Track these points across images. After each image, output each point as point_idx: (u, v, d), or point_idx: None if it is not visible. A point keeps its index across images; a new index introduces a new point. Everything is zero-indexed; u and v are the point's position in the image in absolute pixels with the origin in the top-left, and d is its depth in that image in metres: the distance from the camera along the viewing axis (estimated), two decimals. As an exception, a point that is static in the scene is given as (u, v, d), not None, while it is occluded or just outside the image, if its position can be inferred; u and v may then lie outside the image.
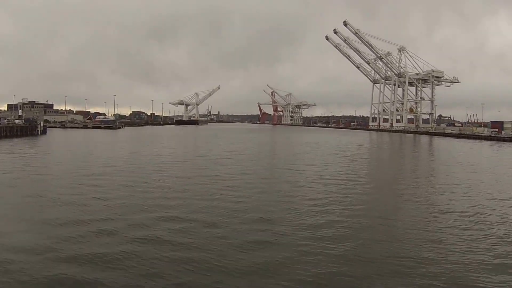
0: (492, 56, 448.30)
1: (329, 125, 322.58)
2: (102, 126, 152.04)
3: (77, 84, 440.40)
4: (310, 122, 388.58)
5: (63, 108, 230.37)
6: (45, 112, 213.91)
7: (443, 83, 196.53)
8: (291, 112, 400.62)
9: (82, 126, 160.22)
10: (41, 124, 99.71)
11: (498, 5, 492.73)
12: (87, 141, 74.45)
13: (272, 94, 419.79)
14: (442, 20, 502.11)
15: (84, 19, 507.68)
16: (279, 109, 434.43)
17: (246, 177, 31.65)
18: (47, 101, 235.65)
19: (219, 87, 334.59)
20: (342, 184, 29.12)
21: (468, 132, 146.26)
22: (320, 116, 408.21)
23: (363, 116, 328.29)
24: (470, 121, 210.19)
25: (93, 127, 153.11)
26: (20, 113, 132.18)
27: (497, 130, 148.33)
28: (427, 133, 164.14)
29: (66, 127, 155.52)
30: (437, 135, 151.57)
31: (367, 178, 33.51)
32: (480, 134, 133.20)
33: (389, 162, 51.03)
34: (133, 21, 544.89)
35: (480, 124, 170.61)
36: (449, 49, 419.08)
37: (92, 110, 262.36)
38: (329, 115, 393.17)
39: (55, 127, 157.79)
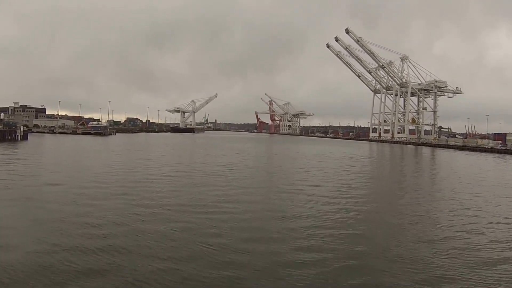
0: (491, 68, 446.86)
1: (327, 135, 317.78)
2: (92, 132, 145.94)
3: (75, 89, 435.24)
4: (307, 131, 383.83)
5: (58, 113, 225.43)
6: (36, 117, 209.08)
7: (445, 93, 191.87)
8: (289, 121, 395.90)
9: (71, 132, 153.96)
10: (21, 129, 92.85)
11: (498, 18, 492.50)
12: (65, 149, 66.78)
13: (270, 103, 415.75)
14: (442, 32, 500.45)
15: (84, 24, 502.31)
16: (276, 118, 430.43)
17: (241, 209, 21.65)
18: (42, 105, 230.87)
19: (216, 95, 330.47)
20: (375, 216, 21.10)
21: (472, 144, 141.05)
22: (318, 126, 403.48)
23: (360, 126, 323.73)
24: (468, 132, 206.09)
25: (83, 133, 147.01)
26: (1, 117, 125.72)
27: (501, 142, 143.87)
28: (430, 144, 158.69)
29: (55, 133, 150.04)
30: (440, 147, 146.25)
31: (401, 204, 25.16)
32: (486, 147, 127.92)
33: (414, 181, 38.70)
34: (133, 28, 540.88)
35: (485, 136, 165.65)
36: (448, 61, 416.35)
37: (89, 116, 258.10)
38: (327, 125, 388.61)
39: (44, 132, 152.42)
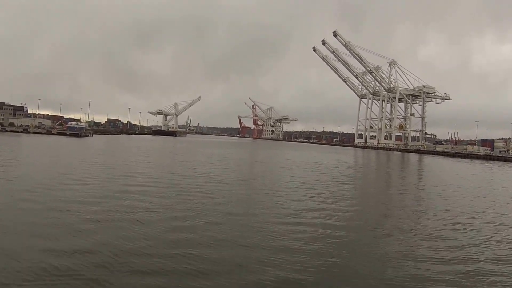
0: (476, 75, 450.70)
1: (311, 141, 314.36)
2: (68, 133, 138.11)
3: (58, 89, 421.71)
4: (291, 137, 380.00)
5: (40, 112, 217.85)
6: (14, 115, 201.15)
7: (433, 99, 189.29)
8: (272, 126, 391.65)
9: (45, 132, 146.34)
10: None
11: (483, 24, 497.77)
12: (22, 152, 56.61)
13: (254, 107, 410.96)
14: (427, 38, 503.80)
15: (66, 21, 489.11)
16: (259, 123, 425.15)
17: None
18: (24, 104, 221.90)
19: (199, 98, 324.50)
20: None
21: (462, 150, 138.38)
22: (301, 131, 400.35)
23: (343, 132, 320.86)
24: (451, 139, 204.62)
25: (58, 134, 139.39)
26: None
27: (489, 148, 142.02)
28: (418, 151, 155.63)
29: (29, 132, 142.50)
30: (428, 153, 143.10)
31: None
32: (477, 153, 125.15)
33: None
34: (116, 27, 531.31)
35: (474, 143, 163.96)
36: (433, 67, 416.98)
37: (71, 115, 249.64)
38: (310, 130, 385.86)
39: (17, 131, 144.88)
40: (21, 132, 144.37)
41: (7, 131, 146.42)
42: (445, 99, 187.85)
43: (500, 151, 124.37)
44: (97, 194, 22.97)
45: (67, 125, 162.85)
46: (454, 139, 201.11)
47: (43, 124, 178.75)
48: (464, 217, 21.14)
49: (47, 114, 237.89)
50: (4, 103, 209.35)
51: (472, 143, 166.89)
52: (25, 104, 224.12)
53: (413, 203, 25.81)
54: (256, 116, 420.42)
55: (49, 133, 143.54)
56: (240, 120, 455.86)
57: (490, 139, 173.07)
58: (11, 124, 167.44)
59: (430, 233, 16.99)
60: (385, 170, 61.09)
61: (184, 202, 21.63)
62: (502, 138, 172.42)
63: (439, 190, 33.63)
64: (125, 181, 29.05)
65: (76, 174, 32.05)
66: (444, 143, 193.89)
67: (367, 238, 15.83)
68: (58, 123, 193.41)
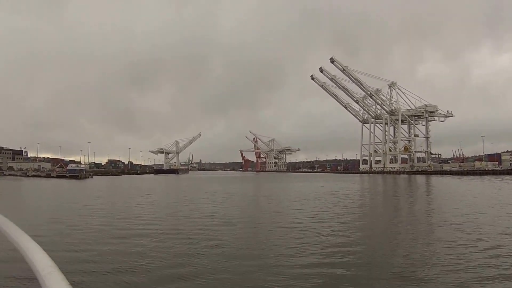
0: (475, 89, 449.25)
1: (315, 170, 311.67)
2: (67, 175, 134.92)
3: (57, 132, 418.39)
4: (294, 167, 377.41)
5: (40, 156, 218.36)
6: (13, 159, 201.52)
7: (436, 118, 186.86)
8: (275, 158, 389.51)
9: (45, 175, 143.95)
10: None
11: (479, 36, 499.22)
12: (11, 197, 55.23)
13: (255, 140, 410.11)
14: (424, 57, 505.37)
15: (62, 64, 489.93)
16: (262, 156, 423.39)
17: None
18: (24, 148, 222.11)
19: (200, 135, 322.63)
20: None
21: (470, 168, 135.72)
22: (305, 161, 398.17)
23: (347, 159, 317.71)
24: (455, 156, 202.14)
25: (57, 176, 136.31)
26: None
27: (497, 163, 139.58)
28: (425, 172, 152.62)
29: (28, 176, 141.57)
30: (436, 174, 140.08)
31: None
32: (486, 169, 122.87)
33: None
34: (111, 67, 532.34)
35: (481, 159, 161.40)
36: (432, 85, 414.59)
37: (72, 158, 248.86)
38: (313, 159, 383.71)
39: (16, 175, 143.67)
40: (20, 175, 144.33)
41: (5, 175, 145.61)
42: (448, 117, 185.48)
43: (511, 164, 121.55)
44: (87, 241, 20.12)
45: (66, 168, 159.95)
46: (459, 156, 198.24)
47: (42, 167, 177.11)
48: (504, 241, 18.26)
49: (47, 157, 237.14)
50: (3, 147, 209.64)
51: (479, 159, 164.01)
52: (25, 148, 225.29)
53: (437, 229, 22.85)
54: (258, 149, 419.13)
55: (48, 176, 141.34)
56: (242, 154, 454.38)
57: (496, 153, 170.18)
58: (10, 168, 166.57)
59: (470, 265, 14.10)
60: (397, 196, 57.12)
61: (186, 246, 18.66)
62: (507, 151, 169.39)
63: (460, 212, 30.66)
64: (121, 225, 26.07)
65: (66, 219, 29.06)
66: (450, 162, 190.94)
67: (397, 279, 12.92)
68: (58, 165, 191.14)
